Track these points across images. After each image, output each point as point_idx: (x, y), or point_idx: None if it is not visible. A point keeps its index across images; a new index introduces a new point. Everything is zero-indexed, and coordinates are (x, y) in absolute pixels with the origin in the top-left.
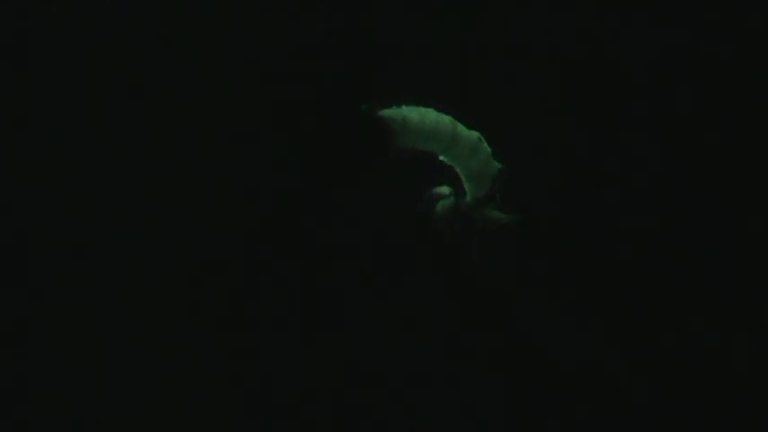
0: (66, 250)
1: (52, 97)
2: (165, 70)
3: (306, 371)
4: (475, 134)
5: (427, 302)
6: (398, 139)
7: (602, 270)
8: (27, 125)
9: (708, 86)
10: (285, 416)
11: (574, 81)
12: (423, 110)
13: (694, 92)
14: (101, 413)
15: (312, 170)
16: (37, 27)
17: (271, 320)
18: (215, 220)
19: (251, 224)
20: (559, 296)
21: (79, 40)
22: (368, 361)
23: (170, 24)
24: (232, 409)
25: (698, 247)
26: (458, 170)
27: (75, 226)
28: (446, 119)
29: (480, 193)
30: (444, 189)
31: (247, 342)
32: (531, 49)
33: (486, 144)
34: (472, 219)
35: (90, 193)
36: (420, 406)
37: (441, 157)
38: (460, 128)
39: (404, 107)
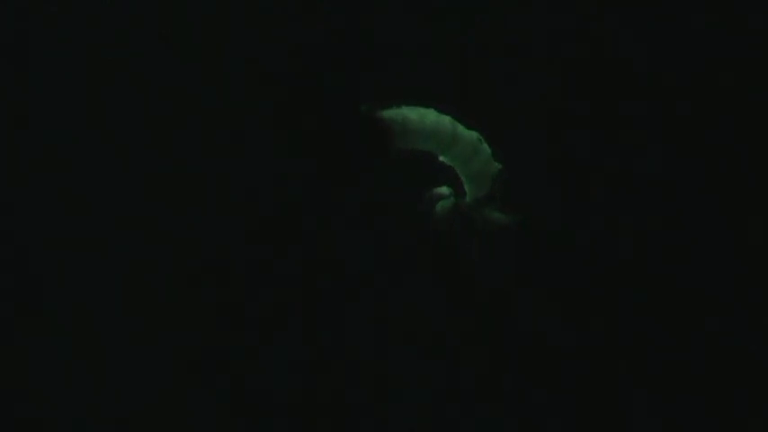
0: (67, 250)
1: (52, 97)
2: (165, 70)
3: (306, 371)
4: (475, 135)
5: (427, 303)
6: (398, 139)
7: (602, 270)
8: (27, 125)
9: (708, 86)
10: (285, 416)
11: (574, 81)
12: (423, 110)
13: (694, 92)
14: (101, 413)
15: (312, 170)
16: (37, 27)
17: (271, 320)
18: (215, 220)
19: (251, 224)
20: (559, 296)
21: (79, 40)
22: (368, 361)
23: (170, 24)
24: (232, 410)
25: (698, 247)
26: (458, 171)
27: (75, 226)
28: (446, 119)
29: (480, 193)
30: (444, 189)
31: (247, 342)
32: (531, 49)
33: (486, 144)
34: (472, 219)
35: (90, 193)
36: (420, 406)
37: (441, 158)
38: (460, 128)
39: (404, 107)
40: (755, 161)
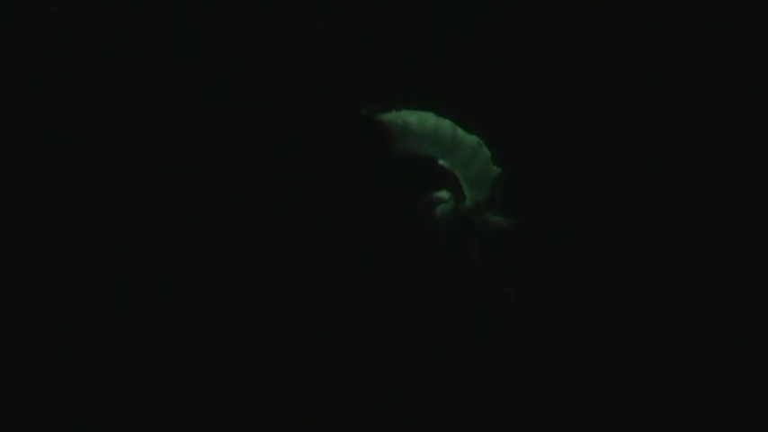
0: (67, 250)
1: (52, 97)
2: (165, 70)
3: (306, 371)
4: (474, 138)
5: (427, 303)
6: (398, 143)
7: (602, 270)
8: (27, 125)
9: (708, 86)
10: (286, 416)
11: (574, 82)
12: (422, 114)
13: (694, 92)
14: (101, 413)
15: (312, 170)
16: (37, 27)
17: (271, 320)
18: (215, 220)
19: (251, 224)
20: (559, 296)
21: (79, 40)
22: (368, 361)
23: (170, 24)
24: (232, 410)
25: (698, 247)
26: (457, 174)
27: (75, 226)
28: (446, 123)
29: (480, 197)
30: (444, 193)
31: (247, 342)
32: (531, 50)
33: (485, 148)
34: (472, 222)
35: (90, 193)
36: (420, 406)
37: (440, 162)
38: (460, 132)
39: (404, 111)
40: (755, 161)
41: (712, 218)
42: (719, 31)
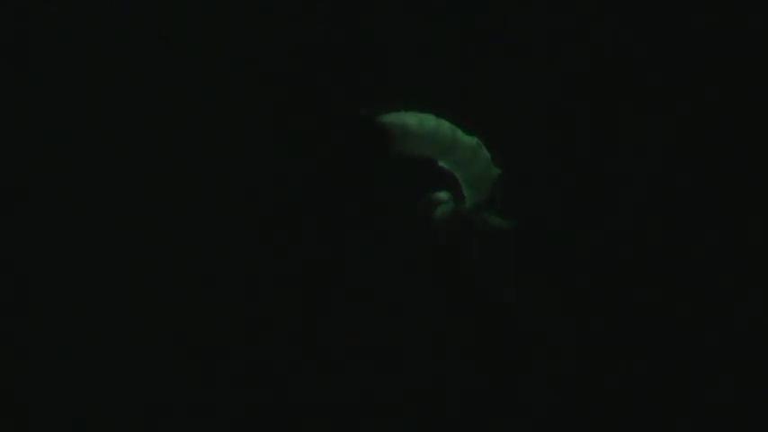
0: (67, 250)
1: (52, 97)
2: (165, 70)
3: (306, 371)
4: (474, 139)
5: (427, 303)
6: (398, 143)
7: (602, 270)
8: (27, 125)
9: (708, 86)
10: (286, 416)
11: (574, 83)
12: (422, 115)
13: (694, 92)
14: (101, 413)
15: (312, 170)
16: (37, 27)
17: (270, 320)
18: (215, 220)
19: (251, 224)
20: (559, 296)
21: (79, 40)
22: (368, 361)
23: (170, 24)
24: (232, 410)
25: (698, 247)
26: (457, 175)
27: (75, 226)
28: (445, 124)
29: (480, 198)
30: (443, 194)
31: (247, 342)
32: (531, 50)
33: (485, 149)
34: (472, 223)
35: (90, 193)
36: (420, 406)
37: (440, 162)
38: (460, 133)
39: (403, 112)
40: (755, 161)
41: (712, 218)
42: (719, 31)
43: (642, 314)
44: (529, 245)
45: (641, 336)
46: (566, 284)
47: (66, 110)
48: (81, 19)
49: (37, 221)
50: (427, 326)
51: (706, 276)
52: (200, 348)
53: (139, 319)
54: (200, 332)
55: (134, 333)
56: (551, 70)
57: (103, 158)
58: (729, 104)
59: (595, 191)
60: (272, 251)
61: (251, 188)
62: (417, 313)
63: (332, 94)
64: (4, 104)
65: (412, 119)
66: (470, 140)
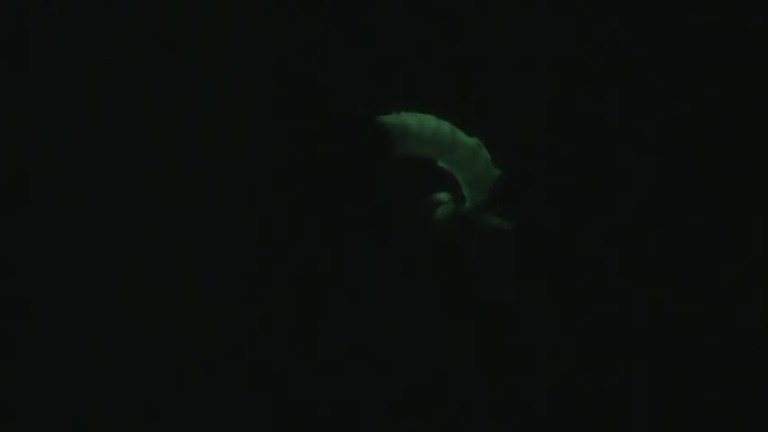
0: (67, 250)
1: (52, 97)
2: (165, 70)
3: (306, 371)
4: (474, 139)
5: (427, 303)
6: (398, 144)
7: (602, 270)
8: (27, 125)
9: (708, 86)
10: (285, 416)
11: (574, 83)
12: (422, 116)
13: (694, 92)
14: (101, 413)
15: (312, 170)
16: (37, 27)
17: (270, 320)
18: (215, 220)
19: (251, 224)
20: (559, 296)
21: (79, 40)
22: (368, 361)
23: (170, 24)
24: (232, 410)
25: (698, 246)
26: (457, 175)
27: (75, 226)
28: (446, 125)
29: (479, 198)
30: (443, 195)
31: (247, 342)
32: (531, 50)
33: (485, 149)
34: (471, 223)
35: (90, 193)
36: (420, 406)
37: (440, 163)
38: (460, 134)
39: (403, 113)
40: (755, 161)
41: (712, 218)
42: (719, 31)
43: (642, 314)
44: (529, 245)
45: (641, 336)
46: (566, 284)
47: (67, 110)
48: (81, 19)
49: (37, 221)
50: (427, 326)
51: (706, 276)
52: (200, 348)
53: (139, 319)
54: (201, 332)
55: (134, 333)
56: (551, 70)
57: (103, 158)
58: (729, 104)
59: (595, 191)
60: (272, 251)
61: (251, 188)
62: (417, 313)
63: (332, 94)
64: (4, 104)
65: (412, 119)
66: (470, 141)
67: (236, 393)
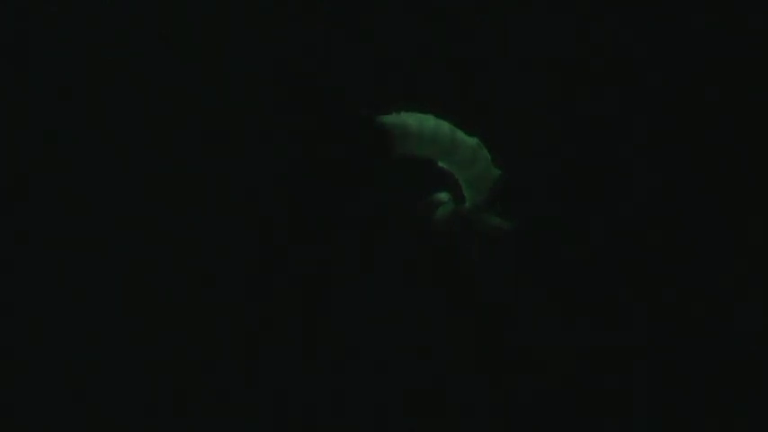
0: (67, 250)
1: (52, 97)
2: (165, 70)
3: (306, 371)
4: (474, 140)
5: (427, 303)
6: (398, 144)
7: (602, 270)
8: (27, 125)
9: (708, 86)
10: (285, 416)
11: (574, 83)
12: (422, 116)
13: (694, 92)
14: (101, 413)
15: (312, 170)
16: (37, 27)
17: (271, 320)
18: (215, 220)
19: (251, 224)
20: (559, 296)
21: (79, 40)
22: (368, 361)
23: (170, 24)
24: (232, 410)
25: (698, 246)
26: (457, 176)
27: (75, 226)
28: (445, 125)
29: (479, 198)
30: (443, 195)
31: (247, 342)
32: (532, 51)
33: (485, 150)
34: (472, 223)
35: (90, 193)
36: (420, 406)
37: (440, 163)
38: (459, 134)
39: (403, 113)
40: (755, 161)
41: (712, 218)
42: (719, 31)
43: (642, 314)
44: (529, 245)
45: (641, 336)
46: (566, 284)
47: (67, 110)
48: (81, 19)
49: (37, 221)
50: (427, 326)
51: (706, 276)
52: (200, 348)
53: (139, 319)
54: (201, 332)
55: (134, 333)
56: (551, 70)
57: (103, 158)
58: (729, 104)
59: (595, 191)
60: (272, 251)
61: (251, 188)
62: (417, 313)
63: (332, 94)
64: (4, 104)
65: (412, 119)
66: (470, 141)
67: (236, 393)
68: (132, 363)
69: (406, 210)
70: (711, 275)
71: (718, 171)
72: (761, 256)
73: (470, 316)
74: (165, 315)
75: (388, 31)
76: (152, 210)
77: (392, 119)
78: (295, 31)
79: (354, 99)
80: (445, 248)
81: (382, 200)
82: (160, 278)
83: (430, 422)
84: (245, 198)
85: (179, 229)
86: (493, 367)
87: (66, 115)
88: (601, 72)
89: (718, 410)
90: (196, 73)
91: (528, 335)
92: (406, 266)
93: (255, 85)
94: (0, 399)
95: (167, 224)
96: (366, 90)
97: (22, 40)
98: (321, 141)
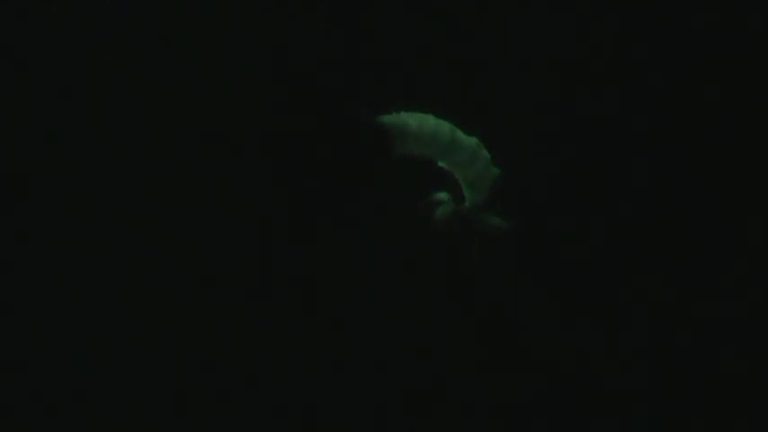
0: (67, 250)
1: (52, 97)
2: (165, 70)
3: (306, 371)
4: (474, 140)
5: (427, 303)
6: (398, 144)
7: (602, 270)
8: (27, 125)
9: (708, 86)
10: (285, 416)
11: (574, 83)
12: (422, 116)
13: (694, 92)
14: (101, 413)
15: (312, 171)
16: (37, 27)
17: (271, 321)
18: (215, 220)
19: (251, 224)
20: (559, 296)
21: (79, 40)
22: (368, 361)
23: (170, 24)
24: (232, 410)
25: (698, 246)
26: (457, 176)
27: (75, 226)
28: (445, 125)
29: (479, 198)
30: (443, 195)
31: (247, 342)
32: (532, 51)
33: (484, 150)
34: (471, 223)
35: (90, 193)
36: (420, 406)
37: (440, 163)
38: (459, 134)
39: (403, 113)
40: (755, 161)
41: (712, 218)
42: (719, 31)
43: (642, 314)
44: (529, 245)
45: (641, 336)
46: (566, 284)
47: (67, 110)
48: (81, 19)
49: (37, 221)
50: (427, 326)
51: (706, 276)
52: (200, 348)
53: (139, 319)
54: (201, 332)
55: (134, 333)
56: (551, 70)
57: (103, 158)
58: (729, 104)
59: (595, 191)
60: (272, 251)
61: (251, 188)
62: (417, 313)
63: (332, 94)
64: (4, 104)
65: (412, 119)
66: (470, 141)
67: (236, 393)
68: (132, 363)
69: (406, 210)
70: (711, 275)
71: (718, 171)
72: (761, 256)
73: (470, 316)
74: (165, 315)
75: (388, 31)
76: (152, 210)
77: (392, 119)
78: (295, 31)
79: (354, 99)
80: (445, 248)
81: (382, 200)
82: (160, 278)
83: (430, 422)
84: (245, 198)
85: (179, 229)
86: (493, 367)
87: (67, 115)
88: (601, 72)
89: (719, 410)
90: (196, 73)
91: (528, 335)
92: (406, 266)
93: (255, 85)
94: (0, 399)
95: (167, 224)
96: (366, 90)
97: (22, 40)
98: (321, 141)
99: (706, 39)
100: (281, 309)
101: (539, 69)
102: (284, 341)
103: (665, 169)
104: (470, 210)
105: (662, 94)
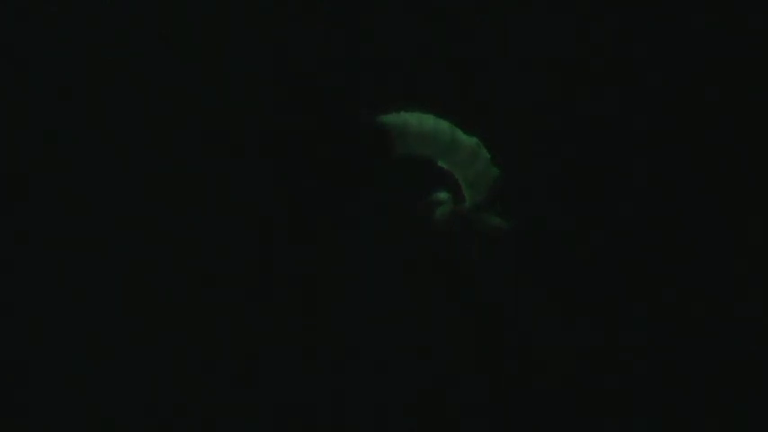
0: (67, 250)
1: (52, 97)
2: (165, 70)
3: (306, 371)
4: (474, 139)
5: (427, 303)
6: (398, 144)
7: (602, 270)
8: (27, 125)
9: (708, 86)
10: (285, 416)
11: (574, 83)
12: (422, 115)
13: (694, 92)
14: (101, 413)
15: (312, 171)
16: (37, 27)
17: (270, 321)
18: (215, 220)
19: (251, 224)
20: (559, 296)
21: (79, 40)
22: (368, 361)
23: (170, 24)
24: (232, 410)
25: (698, 246)
26: (456, 175)
27: (75, 226)
28: (445, 124)
29: (479, 198)
30: (443, 195)
31: (247, 342)
32: (531, 50)
33: (484, 149)
34: (471, 223)
35: (90, 193)
36: (419, 406)
37: (440, 163)
38: (459, 133)
39: (403, 113)
40: (755, 161)
41: (712, 218)
42: (719, 31)
43: (642, 314)
44: (529, 245)
45: (641, 336)
46: (566, 285)
47: (67, 110)
48: (81, 19)
49: (37, 221)
50: (427, 326)
51: (706, 276)
52: (200, 348)
53: (139, 319)
54: (201, 332)
55: (134, 333)
56: (551, 70)
57: (103, 158)
58: (729, 104)
59: (595, 191)
60: (272, 251)
61: (251, 188)
62: (417, 313)
63: (332, 94)
64: (4, 104)
65: (411, 119)
66: (470, 140)
67: (236, 393)
68: (132, 363)
69: (406, 210)
70: (711, 275)
71: (718, 171)
72: (761, 256)
73: (470, 316)
74: (165, 315)
75: (388, 31)
76: (152, 210)
77: (392, 119)
78: (295, 31)
79: (354, 99)
80: (445, 248)
81: (382, 200)
82: (160, 278)
83: (430, 422)
84: (245, 198)
85: (179, 229)
86: (493, 367)
87: (67, 115)
88: (601, 72)
89: (719, 410)
90: (196, 73)
91: (528, 335)
92: (406, 266)
93: (255, 85)
94: (0, 399)
95: (167, 224)
96: (366, 90)
97: (22, 40)
98: (321, 141)
99: (706, 39)
100: (281, 309)
101: (539, 69)
102: (284, 341)
103: (665, 169)
104: (470, 210)
105: (662, 94)
